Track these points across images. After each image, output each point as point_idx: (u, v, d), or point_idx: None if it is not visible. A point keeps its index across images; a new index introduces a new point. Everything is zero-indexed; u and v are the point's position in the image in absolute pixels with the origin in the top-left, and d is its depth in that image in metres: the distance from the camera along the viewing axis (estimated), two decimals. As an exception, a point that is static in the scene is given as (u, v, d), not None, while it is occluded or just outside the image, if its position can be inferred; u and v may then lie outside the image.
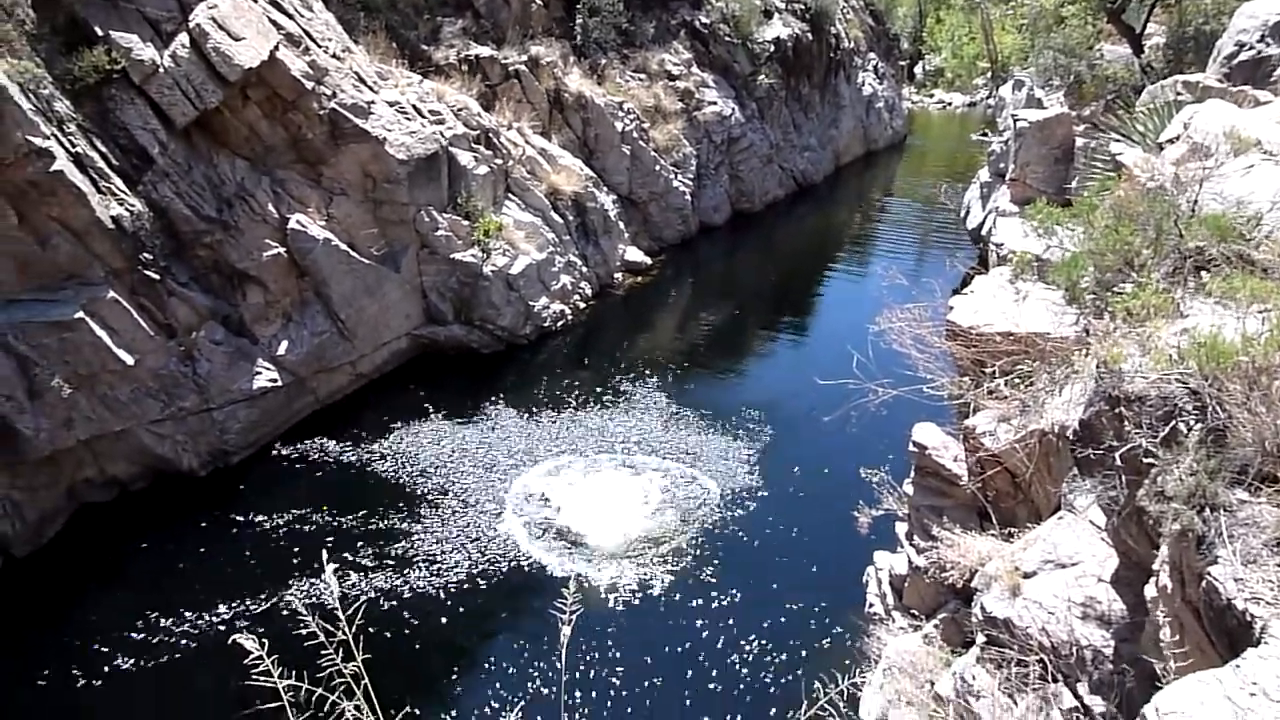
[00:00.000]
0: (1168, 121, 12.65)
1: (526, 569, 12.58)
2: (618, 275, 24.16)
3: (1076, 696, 5.63)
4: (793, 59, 33.39)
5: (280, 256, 15.97)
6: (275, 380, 15.61)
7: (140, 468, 14.33)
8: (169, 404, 14.14)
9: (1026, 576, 6.58)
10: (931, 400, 9.51)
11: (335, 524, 13.68)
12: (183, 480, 14.50)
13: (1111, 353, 5.21)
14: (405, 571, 12.51)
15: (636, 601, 12.11)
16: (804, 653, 10.88)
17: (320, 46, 17.23)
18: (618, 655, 11.16)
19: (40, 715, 10.26)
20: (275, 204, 16.20)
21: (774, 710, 3.18)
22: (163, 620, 11.69)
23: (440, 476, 14.85)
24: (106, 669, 10.96)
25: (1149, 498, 4.51)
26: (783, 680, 10.38)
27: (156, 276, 14.09)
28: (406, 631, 11.52)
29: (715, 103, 29.28)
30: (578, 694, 10.42)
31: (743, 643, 11.40)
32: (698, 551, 13.05)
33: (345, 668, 2.55)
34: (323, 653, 2.53)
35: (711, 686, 10.57)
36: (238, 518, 13.87)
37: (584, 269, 22.75)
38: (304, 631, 2.63)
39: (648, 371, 19.10)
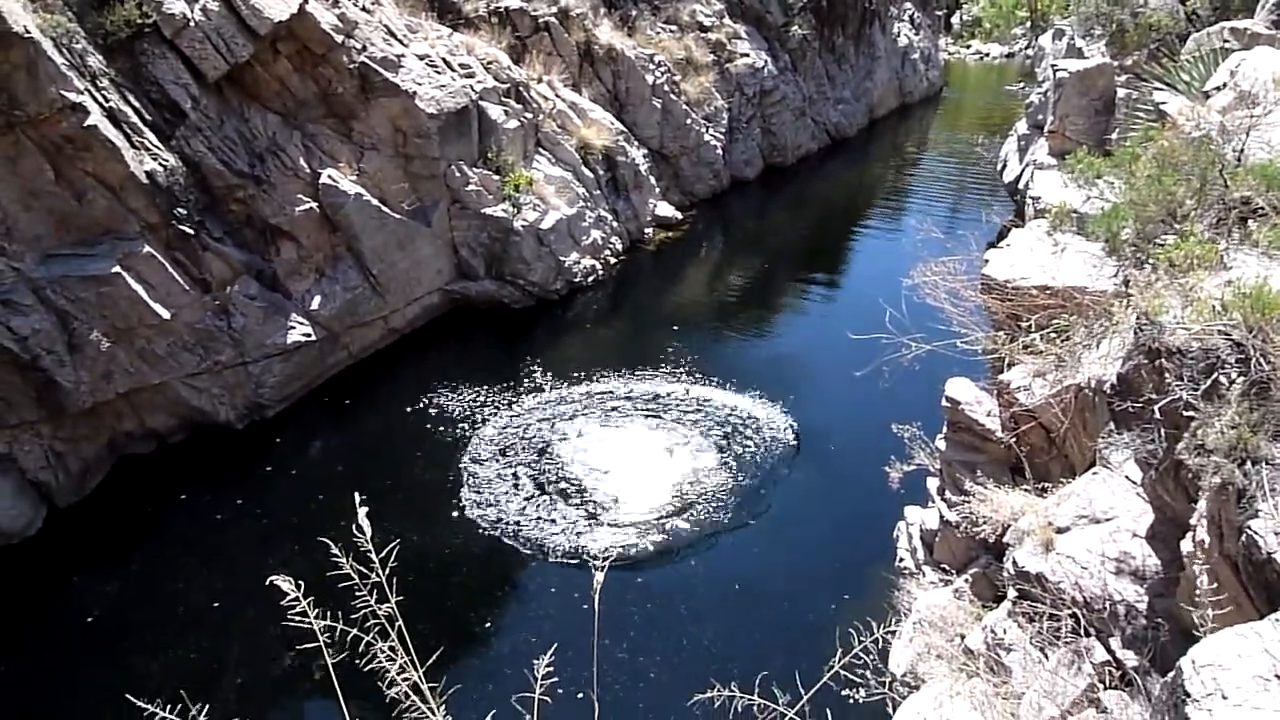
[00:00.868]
0: (1214, 69, 12.29)
1: (558, 520, 12.68)
2: (648, 230, 24.02)
3: (1109, 650, 5.61)
4: (826, 9, 32.75)
5: (312, 211, 16.02)
6: (309, 335, 15.74)
7: (178, 420, 14.56)
8: (205, 358, 14.32)
9: (1060, 531, 6.53)
10: (965, 355, 9.42)
11: (369, 475, 13.87)
12: (220, 433, 14.73)
13: (1152, 304, 5.10)
14: (438, 521, 12.68)
15: (668, 552, 12.19)
16: (834, 606, 10.91)
17: (349, -1, 17.11)
18: (649, 606, 11.27)
19: (87, 657, 10.55)
20: (307, 159, 16.21)
21: (805, 662, 3.22)
22: (202, 568, 11.97)
23: (472, 430, 14.97)
24: (148, 614, 11.25)
25: (1188, 451, 4.44)
26: (812, 633, 10.43)
27: (191, 231, 14.19)
28: (440, 578, 11.72)
29: (747, 54, 28.82)
30: (607, 641, 10.55)
31: (772, 596, 11.47)
32: (728, 505, 13.08)
33: (379, 609, 2.58)
34: (357, 593, 2.56)
35: (741, 638, 10.65)
36: (273, 470, 14.12)
37: (614, 224, 22.64)
38: (339, 576, 2.66)
39: (678, 326, 19.05)
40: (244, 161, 15.11)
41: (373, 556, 2.56)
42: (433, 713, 2.56)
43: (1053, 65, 19.58)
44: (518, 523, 12.67)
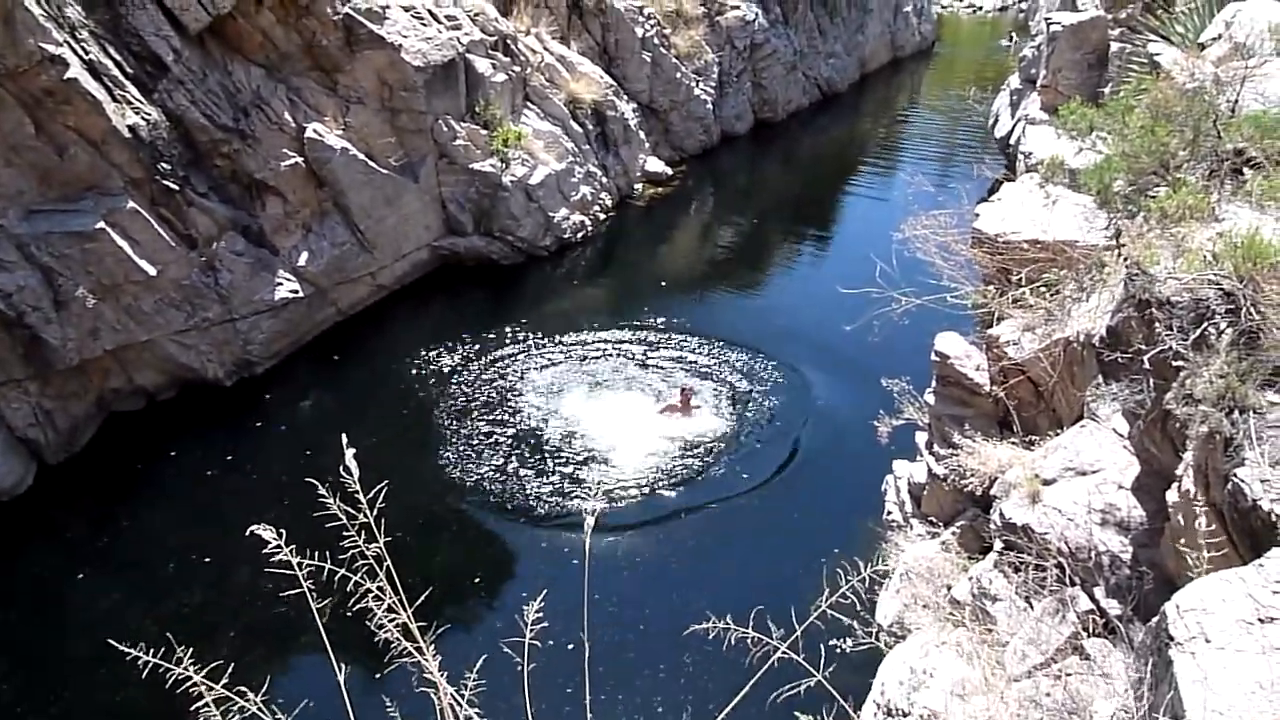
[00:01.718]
0: (1209, 21, 12.19)
1: (548, 474, 12.73)
2: (638, 186, 23.84)
3: (1093, 600, 5.67)
4: (819, -40, 32.28)
5: (298, 166, 15.83)
6: (296, 291, 15.62)
7: (167, 377, 14.48)
8: (192, 314, 14.21)
9: (1046, 484, 6.58)
10: (955, 309, 9.42)
11: (359, 430, 13.86)
12: (209, 390, 14.67)
13: (1144, 255, 5.09)
14: (428, 474, 12.71)
15: (657, 507, 12.26)
16: (823, 559, 10.99)
17: (333, -52, 16.75)
18: (638, 560, 11.37)
19: (78, 614, 10.59)
20: (292, 113, 15.98)
21: (794, 609, 3.25)
22: (192, 524, 11.99)
23: (461, 386, 14.95)
24: (140, 570, 11.29)
25: (1176, 401, 4.45)
26: (801, 584, 10.54)
27: (175, 186, 14.00)
28: (428, 529, 11.78)
29: (738, 7, 28.41)
30: (598, 596, 10.64)
31: (761, 550, 11.56)
32: (717, 460, 13.14)
33: (368, 549, 2.57)
34: (345, 535, 2.55)
35: (730, 590, 10.74)
36: (263, 426, 14.10)
37: (604, 179, 22.45)
38: (329, 521, 2.64)
39: (668, 283, 19.00)
40: (228, 115, 14.88)
41: (360, 497, 2.55)
42: (422, 653, 2.57)
43: (1046, 18, 19.40)
44: (507, 477, 12.71)
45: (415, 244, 18.34)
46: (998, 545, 6.77)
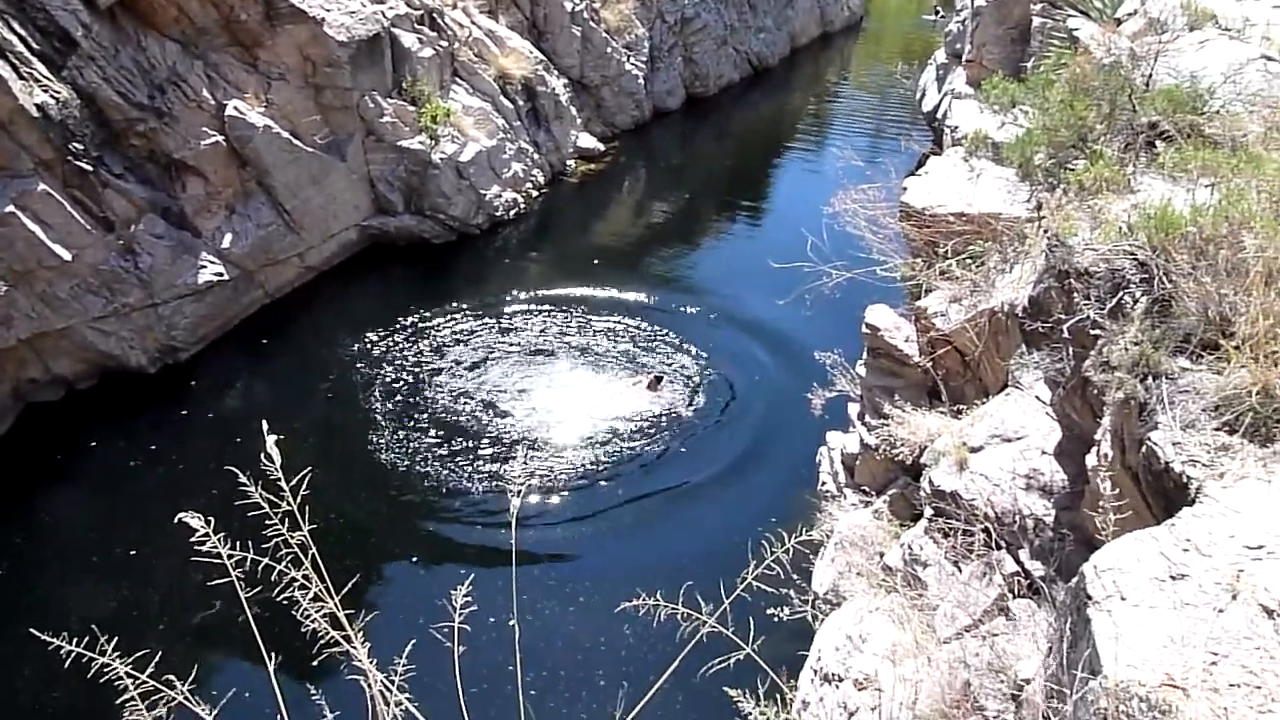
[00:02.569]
0: (1125, -4, 12.47)
1: (479, 453, 12.65)
2: (570, 162, 23.68)
3: (1018, 562, 5.84)
4: (747, -66, 32.23)
5: (219, 145, 15.38)
6: (221, 274, 15.22)
7: (87, 366, 14.03)
8: (111, 300, 13.76)
9: (973, 451, 6.74)
10: (885, 282, 9.56)
11: (288, 415, 13.60)
12: (132, 378, 14.24)
13: (1063, 226, 5.22)
14: (357, 458, 12.57)
15: (591, 482, 12.29)
16: (759, 528, 11.14)
17: (249, -81, 16.23)
18: (569, 534, 11.42)
19: None
20: (210, 90, 15.50)
21: (727, 580, 3.28)
22: (116, 516, 11.66)
23: (392, 367, 14.76)
24: (62, 565, 10.96)
25: (1094, 368, 4.58)
26: (736, 555, 10.67)
27: (89, 168, 13.50)
28: (357, 513, 11.64)
29: (668, -19, 28.28)
30: (536, 570, 10.66)
31: (697, 521, 11.68)
32: (651, 434, 13.20)
33: (292, 538, 2.53)
34: (268, 523, 2.51)
35: (666, 562, 10.82)
36: (189, 414, 13.74)
37: (536, 156, 22.25)
38: (254, 509, 2.59)
39: (601, 260, 18.95)
40: (143, 93, 14.38)
41: (283, 485, 2.50)
42: (350, 641, 2.54)
43: (970, -7, 19.65)
44: (438, 460, 12.60)
45: (344, 224, 17.99)
46: (928, 512, 6.93)
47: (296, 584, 2.56)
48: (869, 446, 9.10)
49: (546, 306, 16.71)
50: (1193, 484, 3.69)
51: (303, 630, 2.57)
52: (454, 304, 16.72)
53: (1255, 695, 2.74)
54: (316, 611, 2.53)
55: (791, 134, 29.08)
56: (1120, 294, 4.67)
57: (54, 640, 2.61)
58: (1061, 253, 5.12)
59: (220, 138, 15.40)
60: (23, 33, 13.08)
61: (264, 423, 2.65)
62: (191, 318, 14.88)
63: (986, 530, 6.07)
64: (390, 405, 13.79)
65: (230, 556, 2.61)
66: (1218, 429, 3.88)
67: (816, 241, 9.92)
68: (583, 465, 12.52)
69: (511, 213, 20.48)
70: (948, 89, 21.00)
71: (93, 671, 2.58)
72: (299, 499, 2.51)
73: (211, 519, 2.63)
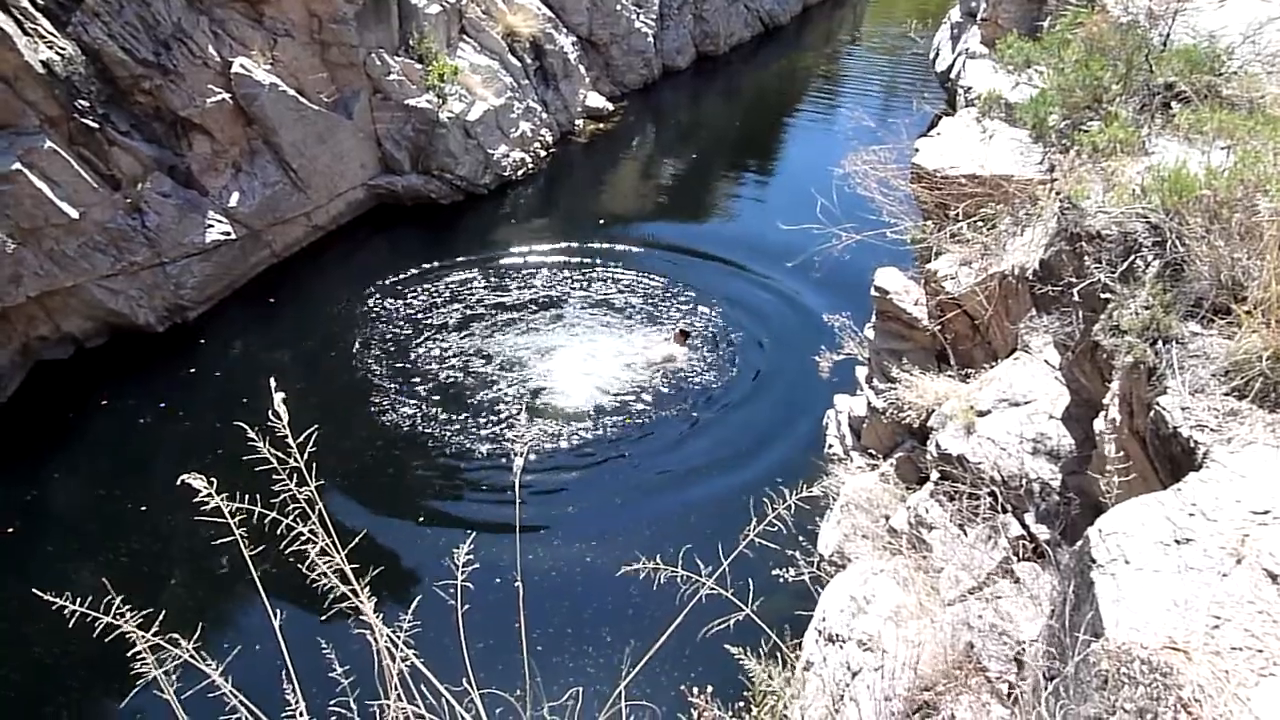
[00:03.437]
0: (1145, -47, 12.23)
1: (486, 414, 12.69)
2: (579, 122, 23.49)
3: (1024, 526, 5.86)
4: (760, -112, 31.66)
5: (225, 103, 15.29)
6: (228, 233, 15.21)
7: (95, 324, 14.08)
8: (119, 258, 13.77)
9: (981, 415, 6.74)
10: (894, 245, 9.50)
11: (295, 374, 13.67)
12: (140, 336, 14.30)
13: (1075, 189, 5.17)
14: (363, 417, 12.62)
15: (598, 444, 12.33)
16: (766, 488, 11.19)
17: None
18: (575, 493, 11.47)
19: (8, 566, 10.39)
20: (216, 46, 15.37)
21: (724, 541, 3.31)
22: (125, 474, 11.77)
23: (398, 327, 14.78)
24: (72, 523, 11.08)
25: (1104, 332, 4.56)
26: (742, 517, 10.74)
27: (95, 125, 13.45)
28: (363, 471, 11.72)
29: (678, -64, 27.84)
30: (543, 531, 10.73)
31: (703, 484, 11.72)
32: (658, 397, 13.22)
33: (299, 493, 2.55)
34: (275, 479, 2.53)
35: (673, 524, 10.91)
36: (197, 372, 13.81)
37: (544, 115, 22.07)
38: (262, 465, 2.61)
39: (608, 221, 18.86)
40: (148, 49, 14.27)
41: (290, 441, 2.52)
42: (357, 596, 2.57)
43: (987, -51, 19.28)
44: (444, 418, 12.64)
45: (350, 183, 17.92)
46: (934, 475, 6.94)
47: (303, 539, 2.58)
48: (876, 410, 9.10)
49: (553, 267, 16.67)
50: (1200, 449, 3.69)
51: (310, 585, 2.60)
52: (460, 264, 16.69)
53: (1257, 658, 2.75)
54: (325, 565, 2.55)
55: (802, 94, 28.76)
56: (1132, 257, 4.63)
57: (58, 600, 2.63)
58: (1073, 215, 5.07)
59: (226, 95, 15.30)
60: (26, -13, 12.97)
61: (271, 380, 2.66)
62: (199, 277, 14.90)
63: (993, 494, 6.09)
64: (397, 364, 13.83)
65: (236, 514, 2.63)
66: (1227, 394, 3.87)
67: (826, 203, 9.86)
68: (587, 429, 12.56)
69: (519, 173, 20.37)
70: (962, 48, 20.72)
71: (100, 629, 2.61)
72: (306, 455, 2.52)
73: (216, 478, 2.65)
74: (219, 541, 2.64)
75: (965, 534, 6.23)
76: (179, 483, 2.61)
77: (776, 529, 3.07)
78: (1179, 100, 6.62)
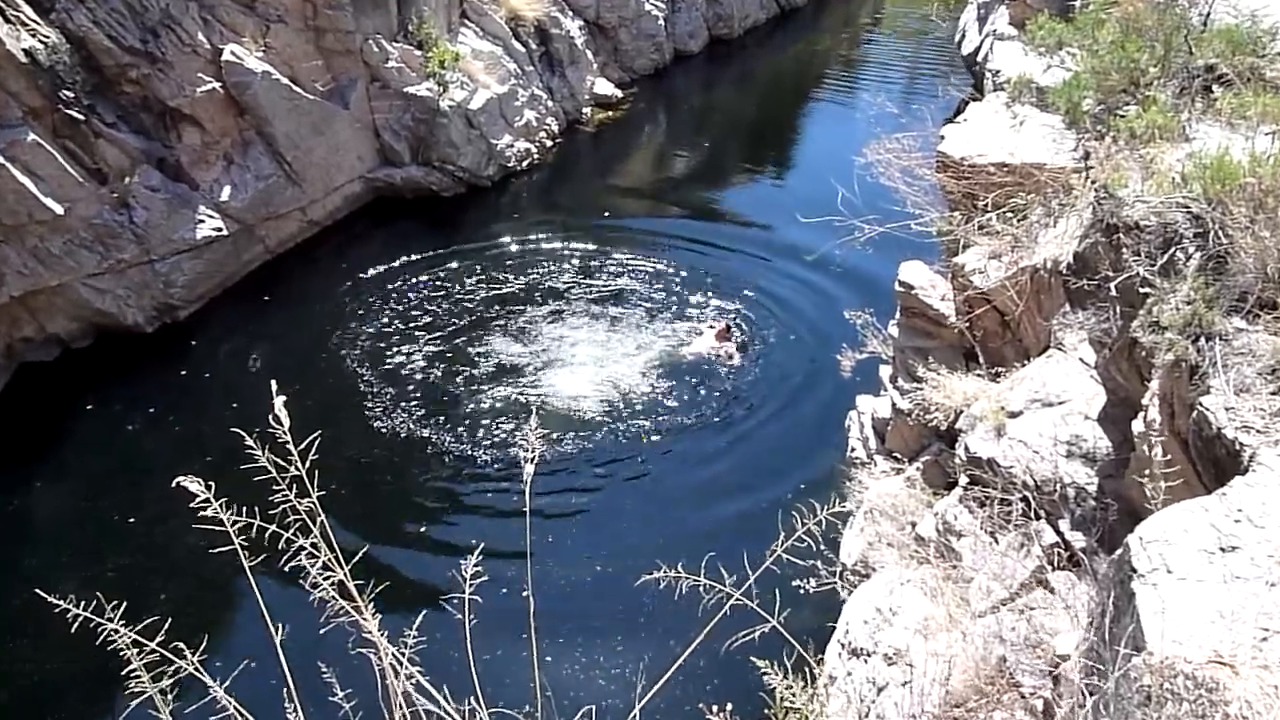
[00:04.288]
0: (1183, -73, 12.16)
1: (492, 416, 12.71)
2: (586, 110, 23.50)
3: (1058, 533, 5.83)
4: None
5: (216, 92, 15.35)
6: (220, 229, 15.27)
7: (82, 324, 14.16)
8: (106, 256, 13.84)
9: (1012, 416, 6.71)
10: (919, 237, 9.46)
11: (290, 376, 13.70)
12: (129, 337, 14.37)
13: (1112, 177, 5.14)
14: (364, 420, 12.66)
15: (610, 447, 12.33)
16: (789, 495, 11.19)
17: None
18: (587, 500, 11.47)
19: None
20: (206, 33, 15.44)
21: (754, 550, 3.29)
22: (114, 480, 11.82)
23: (399, 325, 14.81)
24: (59, 531, 11.13)
25: (1143, 328, 4.53)
26: (764, 523, 10.73)
27: (80, 116, 13.52)
28: (364, 478, 11.75)
29: (690, -86, 27.84)
30: (550, 539, 10.73)
31: (723, 488, 11.71)
32: (673, 397, 13.21)
33: (300, 503, 2.55)
34: (275, 489, 2.53)
35: (689, 533, 10.89)
36: (188, 374, 13.85)
37: (549, 103, 22.10)
38: (260, 474, 2.61)
39: (617, 214, 18.87)
40: (135, 37, 14.34)
41: (291, 448, 2.52)
42: (360, 612, 2.57)
43: (1015, -75, 19.20)
44: (448, 423, 12.66)
45: (348, 176, 17.98)
46: (963, 480, 6.92)
47: (305, 552, 2.59)
48: (901, 411, 9.07)
49: (560, 263, 16.68)
50: (1246, 451, 3.66)
51: (311, 600, 2.61)
52: (462, 260, 16.72)
53: (1308, 673, 2.73)
54: (325, 581, 2.56)
55: (821, 79, 28.71)
56: (1172, 249, 4.61)
57: (61, 604, 2.64)
58: (1110, 205, 5.04)
59: (217, 84, 15.37)
60: (8, -27, 13.05)
61: (272, 383, 2.66)
62: (190, 274, 14.96)
63: (1025, 499, 6.06)
64: (398, 364, 13.86)
65: (234, 523, 2.63)
66: (1274, 393, 3.84)
67: (847, 194, 9.83)
68: (600, 431, 12.56)
69: (524, 163, 20.39)
70: (989, 30, 20.63)
71: (89, 645, 2.61)
72: (308, 463, 2.52)
73: (213, 484, 2.65)
74: (215, 551, 2.64)
75: (996, 542, 6.20)
76: (174, 484, 2.62)
77: (803, 543, 3.06)
78: (1220, 83, 6.58)
